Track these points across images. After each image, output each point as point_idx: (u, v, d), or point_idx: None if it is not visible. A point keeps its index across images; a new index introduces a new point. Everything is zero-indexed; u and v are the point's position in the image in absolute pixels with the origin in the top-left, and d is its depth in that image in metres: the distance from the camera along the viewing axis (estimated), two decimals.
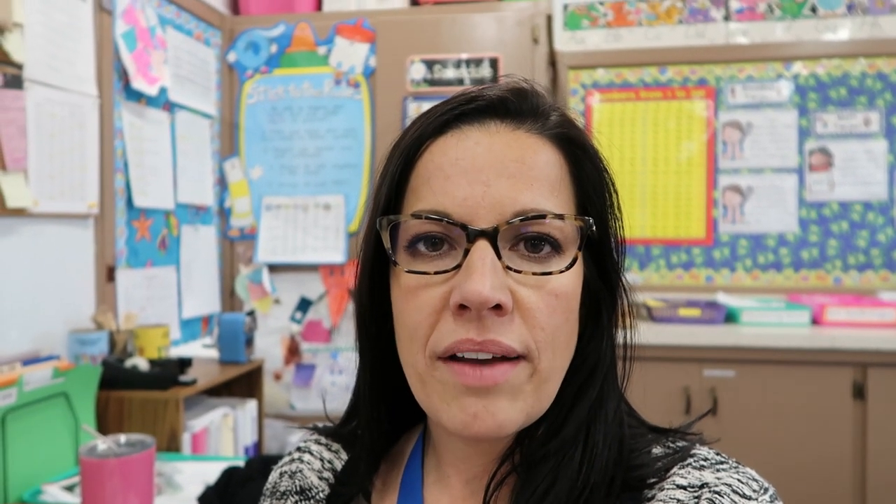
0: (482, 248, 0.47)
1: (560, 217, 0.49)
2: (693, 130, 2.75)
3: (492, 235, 0.48)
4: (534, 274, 0.49)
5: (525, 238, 0.49)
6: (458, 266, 0.48)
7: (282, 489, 0.63)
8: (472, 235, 0.48)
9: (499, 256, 0.48)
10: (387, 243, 0.51)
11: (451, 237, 0.50)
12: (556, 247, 0.50)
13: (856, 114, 2.65)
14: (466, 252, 0.48)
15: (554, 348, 0.49)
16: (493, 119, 0.52)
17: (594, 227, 0.51)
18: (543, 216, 0.48)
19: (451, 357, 0.48)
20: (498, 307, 0.47)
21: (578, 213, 0.52)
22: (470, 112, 0.53)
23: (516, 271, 0.48)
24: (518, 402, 0.48)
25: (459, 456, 0.55)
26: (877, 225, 2.63)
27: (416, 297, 0.50)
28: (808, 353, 2.17)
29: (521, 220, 0.48)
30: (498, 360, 0.48)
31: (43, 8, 1.67)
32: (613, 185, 0.55)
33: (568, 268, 0.49)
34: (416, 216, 0.50)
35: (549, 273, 0.49)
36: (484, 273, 0.46)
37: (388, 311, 0.54)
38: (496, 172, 0.49)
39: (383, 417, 0.59)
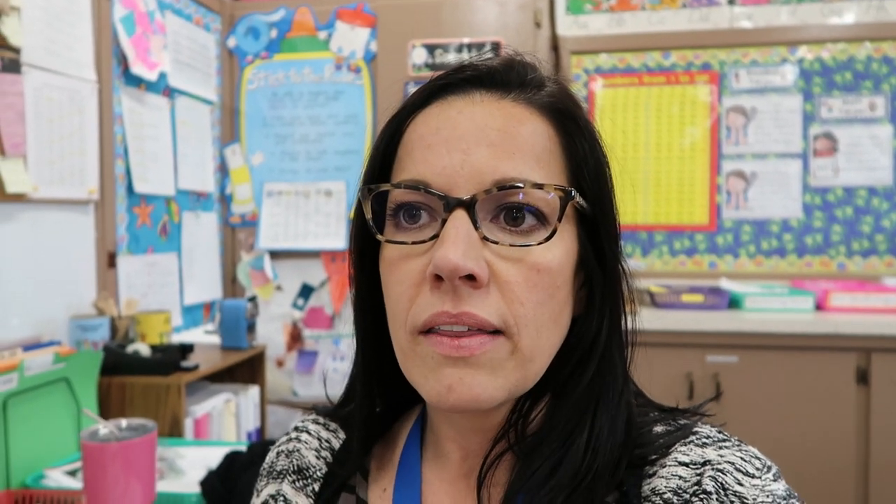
0: (458, 217, 0.46)
1: (539, 186, 0.47)
2: (697, 116, 2.73)
3: (468, 205, 0.47)
4: (511, 245, 0.47)
5: (506, 209, 0.48)
6: (437, 236, 0.47)
7: (278, 468, 0.63)
8: (450, 205, 0.47)
9: (476, 226, 0.47)
10: (368, 213, 0.51)
11: (431, 207, 0.49)
12: (540, 219, 0.48)
13: (861, 98, 2.63)
14: (444, 222, 0.47)
15: (538, 326, 0.48)
16: (478, 89, 0.51)
17: (579, 200, 0.50)
18: (521, 185, 0.47)
19: (430, 330, 0.48)
20: (471, 278, 0.46)
21: (570, 186, 0.50)
22: (456, 82, 0.52)
23: (493, 242, 0.47)
24: (498, 379, 0.47)
25: (457, 430, 0.55)
26: (881, 210, 2.61)
27: (397, 268, 0.50)
28: (812, 338, 2.16)
29: (499, 190, 0.47)
30: (475, 333, 0.47)
31: None
32: (607, 161, 0.53)
33: (547, 239, 0.48)
34: (396, 185, 0.49)
35: (528, 245, 0.48)
36: (456, 242, 0.45)
37: (380, 283, 0.53)
38: (476, 141, 0.48)
39: (376, 393, 0.59)
